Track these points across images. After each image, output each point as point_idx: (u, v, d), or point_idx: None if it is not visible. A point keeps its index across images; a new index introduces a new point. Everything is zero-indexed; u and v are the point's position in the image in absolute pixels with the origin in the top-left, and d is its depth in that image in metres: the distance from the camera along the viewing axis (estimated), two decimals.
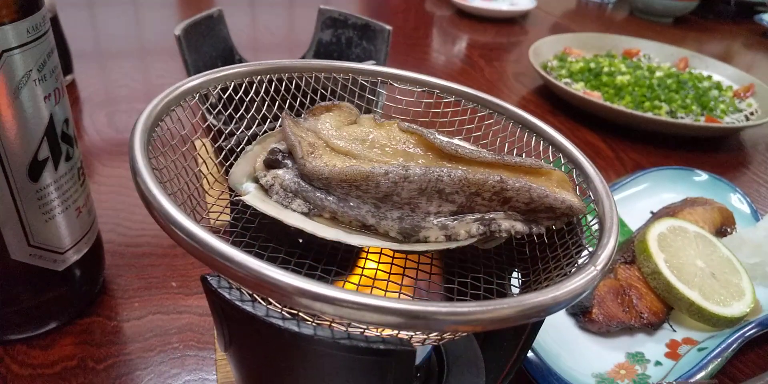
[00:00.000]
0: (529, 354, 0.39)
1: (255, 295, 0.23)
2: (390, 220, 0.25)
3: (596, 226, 0.25)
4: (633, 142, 0.76)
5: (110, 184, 0.57)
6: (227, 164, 0.30)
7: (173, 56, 0.88)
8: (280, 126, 0.31)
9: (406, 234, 0.25)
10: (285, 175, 0.26)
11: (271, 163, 0.27)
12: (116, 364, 0.39)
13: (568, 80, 0.86)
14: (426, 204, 0.25)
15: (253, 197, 0.26)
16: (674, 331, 0.44)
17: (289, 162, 0.27)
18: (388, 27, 0.57)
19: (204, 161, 0.29)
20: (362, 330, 0.22)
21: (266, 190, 0.27)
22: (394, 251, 0.28)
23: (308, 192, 0.26)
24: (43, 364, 0.38)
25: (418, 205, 0.25)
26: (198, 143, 0.46)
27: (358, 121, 0.29)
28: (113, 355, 0.39)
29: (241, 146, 0.31)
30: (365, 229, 0.26)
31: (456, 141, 0.31)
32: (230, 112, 0.30)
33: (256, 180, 0.28)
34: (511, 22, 1.22)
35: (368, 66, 0.34)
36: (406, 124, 0.28)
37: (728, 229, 0.53)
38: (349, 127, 0.28)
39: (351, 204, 0.25)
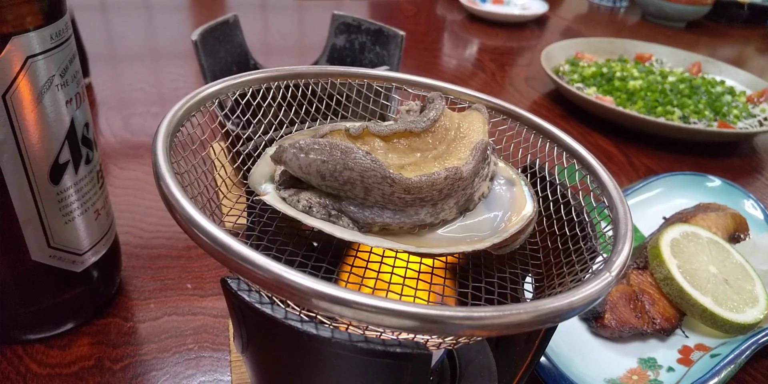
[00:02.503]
0: (542, 359, 0.39)
1: (274, 298, 0.23)
2: (447, 210, 0.27)
3: (610, 233, 0.26)
4: (645, 147, 0.76)
5: (126, 187, 0.58)
6: (245, 169, 0.30)
7: (186, 60, 0.89)
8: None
9: (463, 210, 0.28)
10: (317, 196, 0.26)
11: (292, 183, 0.26)
12: (132, 364, 0.39)
13: (580, 85, 0.86)
14: (478, 180, 0.28)
15: (272, 197, 0.27)
16: (687, 337, 0.44)
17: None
18: (402, 32, 0.57)
19: (222, 165, 0.30)
20: (379, 333, 0.23)
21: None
22: (410, 254, 0.29)
23: (356, 213, 0.25)
24: (61, 363, 0.39)
25: (471, 184, 0.27)
26: (216, 147, 0.47)
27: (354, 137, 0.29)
28: (129, 355, 0.40)
29: (259, 151, 0.31)
30: (420, 228, 0.27)
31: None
32: (248, 118, 0.31)
33: (274, 180, 0.28)
34: (523, 26, 1.22)
35: (384, 72, 0.35)
36: (377, 127, 0.28)
37: (741, 236, 0.53)
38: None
39: (410, 213, 0.26)
